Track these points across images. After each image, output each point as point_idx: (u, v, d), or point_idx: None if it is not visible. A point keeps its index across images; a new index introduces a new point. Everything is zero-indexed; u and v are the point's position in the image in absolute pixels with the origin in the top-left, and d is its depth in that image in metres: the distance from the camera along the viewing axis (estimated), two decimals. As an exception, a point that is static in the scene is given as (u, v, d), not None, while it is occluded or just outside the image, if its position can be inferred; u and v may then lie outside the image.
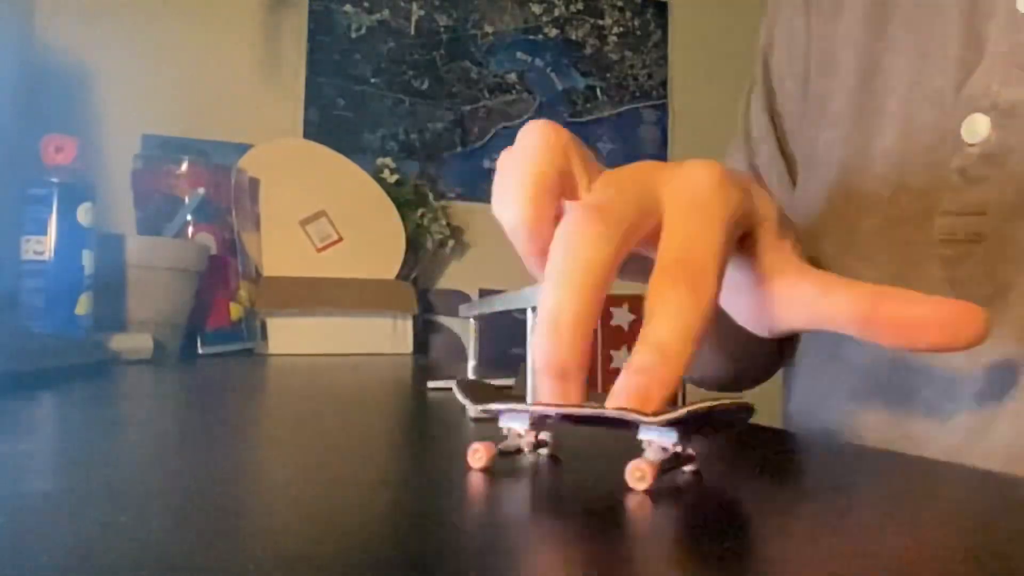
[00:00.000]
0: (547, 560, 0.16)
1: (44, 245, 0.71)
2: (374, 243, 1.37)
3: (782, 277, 0.29)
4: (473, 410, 0.24)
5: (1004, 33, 0.37)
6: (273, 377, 0.72)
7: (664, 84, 1.91)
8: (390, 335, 1.27)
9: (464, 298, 1.65)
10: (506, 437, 0.25)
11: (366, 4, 1.66)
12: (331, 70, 1.63)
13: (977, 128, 0.37)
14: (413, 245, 1.49)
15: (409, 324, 1.30)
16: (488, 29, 1.76)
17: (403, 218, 1.43)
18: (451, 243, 1.63)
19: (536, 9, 1.80)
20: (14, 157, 1.06)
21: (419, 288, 1.52)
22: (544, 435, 0.25)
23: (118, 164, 1.15)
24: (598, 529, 0.18)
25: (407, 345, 1.28)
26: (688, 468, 0.23)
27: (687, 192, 0.25)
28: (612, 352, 1.77)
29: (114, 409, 0.42)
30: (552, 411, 0.23)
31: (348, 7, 1.64)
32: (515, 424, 0.25)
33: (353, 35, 1.65)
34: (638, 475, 0.21)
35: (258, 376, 0.72)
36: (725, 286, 0.25)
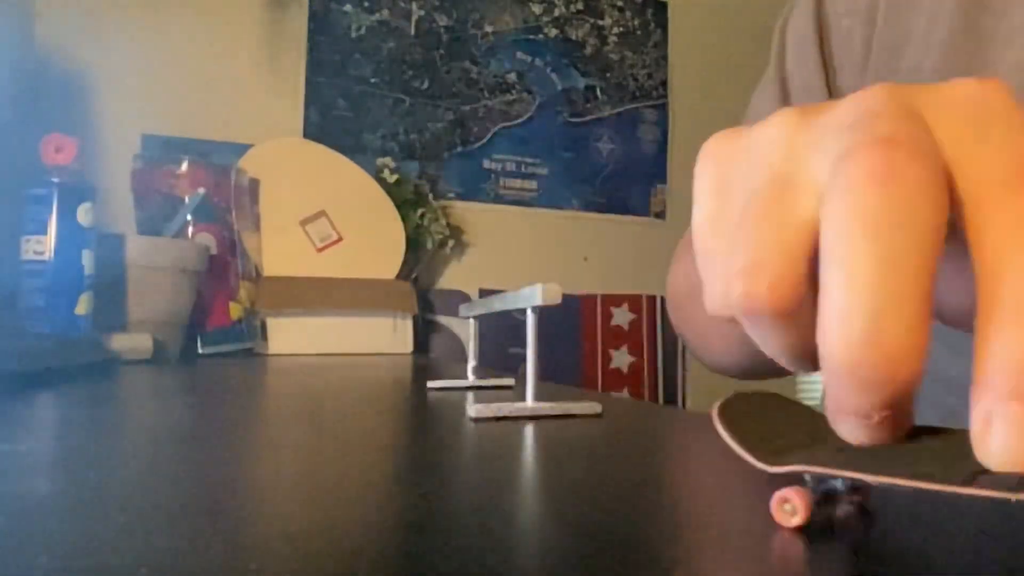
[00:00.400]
0: None
1: (44, 245, 0.71)
2: (374, 243, 1.37)
3: None
4: (762, 467, 0.17)
5: None
6: (273, 377, 0.72)
7: (664, 84, 1.91)
8: (390, 335, 1.27)
9: (464, 298, 1.65)
10: (805, 479, 0.18)
11: (366, 4, 1.66)
12: (331, 70, 1.62)
13: None
14: (413, 245, 1.48)
15: (409, 324, 1.30)
16: (488, 29, 1.76)
17: (403, 218, 1.43)
18: (451, 243, 1.63)
19: (536, 9, 1.80)
20: (14, 157, 1.06)
21: (419, 288, 1.52)
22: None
23: (118, 164, 1.15)
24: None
25: (407, 345, 1.29)
26: None
27: (975, 103, 0.16)
28: (612, 352, 1.77)
29: (114, 409, 0.42)
30: (901, 485, 0.14)
31: (348, 7, 1.64)
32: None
33: (353, 35, 1.65)
34: None
35: (258, 376, 0.72)
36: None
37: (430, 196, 1.60)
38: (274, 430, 0.35)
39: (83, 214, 0.73)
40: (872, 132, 0.15)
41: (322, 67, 1.62)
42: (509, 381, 0.57)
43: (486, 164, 1.74)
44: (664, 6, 1.92)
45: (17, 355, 0.51)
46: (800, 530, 0.17)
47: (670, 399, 1.82)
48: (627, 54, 1.88)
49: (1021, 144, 0.15)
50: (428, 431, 0.36)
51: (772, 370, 0.48)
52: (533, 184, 1.78)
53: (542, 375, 0.41)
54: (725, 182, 0.20)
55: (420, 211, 1.54)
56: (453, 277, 1.69)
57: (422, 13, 1.71)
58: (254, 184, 1.26)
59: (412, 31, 1.70)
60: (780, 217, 0.16)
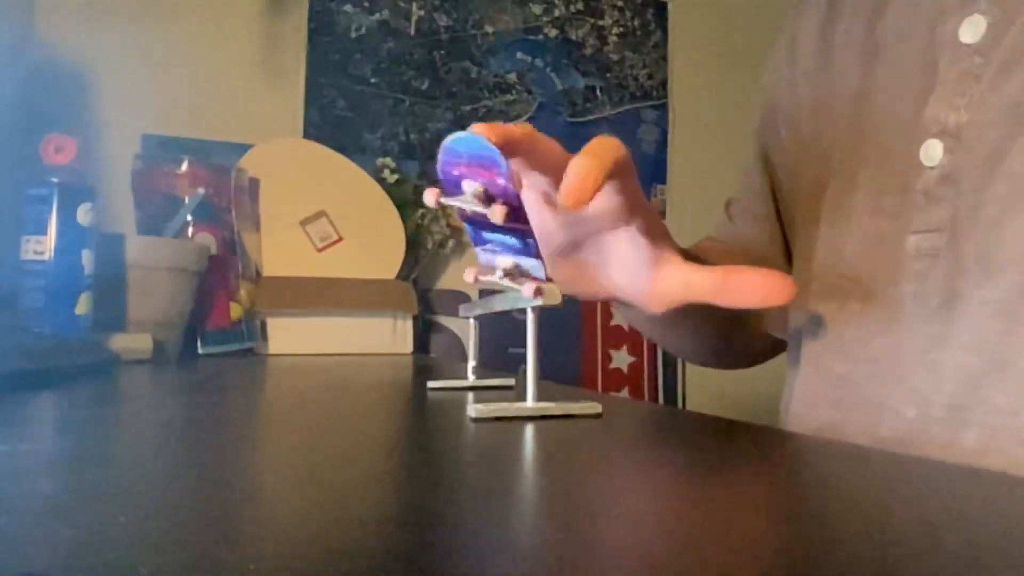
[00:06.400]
0: (550, 560, 0.16)
1: (44, 245, 0.71)
2: (374, 243, 1.37)
3: (665, 265, 0.39)
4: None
5: (951, 63, 0.41)
6: (273, 377, 0.72)
7: (664, 84, 1.91)
8: (390, 335, 1.27)
9: (464, 298, 1.65)
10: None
11: (366, 4, 1.66)
12: (331, 70, 1.62)
13: (932, 152, 0.41)
14: (413, 245, 1.48)
15: (409, 324, 1.29)
16: (488, 29, 1.76)
17: (403, 218, 1.43)
18: (451, 243, 1.63)
19: (536, 9, 1.80)
20: (14, 157, 1.06)
21: (419, 288, 1.52)
22: None
23: (118, 164, 1.15)
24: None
25: (407, 345, 1.28)
26: None
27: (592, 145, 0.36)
28: (612, 352, 1.77)
29: (114, 409, 0.42)
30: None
31: (348, 7, 1.64)
32: None
33: (353, 35, 1.65)
34: None
35: (258, 376, 0.72)
36: (624, 276, 0.39)
37: (430, 196, 1.60)
38: (274, 430, 0.35)
39: (83, 214, 0.73)
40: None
41: (322, 67, 1.62)
42: (509, 381, 0.57)
43: (486, 164, 1.73)
44: (664, 6, 1.92)
45: (17, 355, 0.51)
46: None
47: (670, 399, 1.82)
48: (627, 54, 1.88)
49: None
50: (428, 431, 0.36)
51: (719, 355, 0.63)
52: (533, 184, 1.77)
53: (542, 375, 0.41)
54: None
55: (420, 211, 1.54)
56: (453, 277, 1.68)
57: (422, 13, 1.70)
58: (254, 184, 1.26)
59: (412, 31, 1.70)
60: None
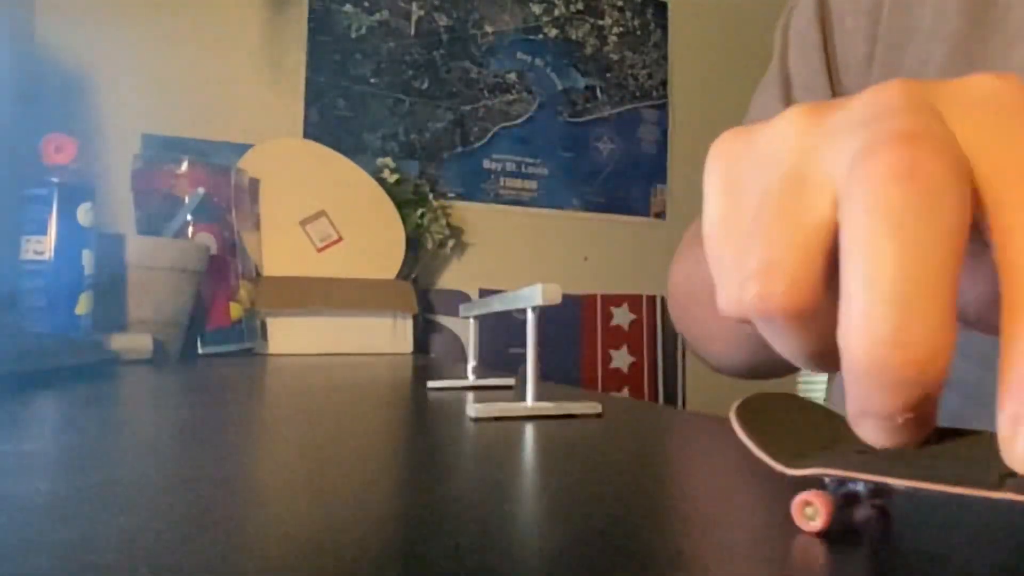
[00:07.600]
0: None
1: (44, 245, 0.71)
2: (374, 243, 1.37)
3: None
4: (781, 470, 0.17)
5: None
6: (273, 377, 0.72)
7: (664, 84, 1.91)
8: (390, 335, 1.27)
9: (464, 298, 1.65)
10: (824, 482, 0.18)
11: (366, 4, 1.66)
12: (331, 70, 1.62)
13: None
14: (413, 245, 1.48)
15: (409, 324, 1.30)
16: (488, 29, 1.76)
17: (403, 218, 1.43)
18: (451, 243, 1.63)
19: (536, 9, 1.80)
20: (14, 157, 1.06)
21: (419, 288, 1.52)
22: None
23: (118, 164, 1.15)
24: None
25: (407, 345, 1.28)
26: None
27: (994, 99, 0.15)
28: (612, 352, 1.77)
29: (114, 409, 0.42)
30: (926, 488, 0.14)
31: (348, 7, 1.64)
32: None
33: (353, 35, 1.65)
34: None
35: (258, 376, 0.72)
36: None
37: (430, 196, 1.60)
38: (274, 430, 0.35)
39: (83, 214, 0.73)
40: (890, 128, 0.14)
41: (322, 67, 1.62)
42: (509, 381, 0.57)
43: (486, 164, 1.73)
44: (664, 6, 1.92)
45: (17, 355, 0.51)
46: (819, 534, 0.17)
47: (670, 399, 1.82)
48: (627, 54, 1.88)
49: None
50: (428, 431, 0.36)
51: (778, 370, 0.48)
52: (533, 184, 1.78)
53: (542, 375, 0.41)
54: (736, 181, 0.19)
55: (420, 211, 1.54)
56: (453, 277, 1.69)
57: (422, 13, 1.70)
58: (254, 184, 1.26)
59: (412, 31, 1.70)
60: (795, 216, 0.16)
